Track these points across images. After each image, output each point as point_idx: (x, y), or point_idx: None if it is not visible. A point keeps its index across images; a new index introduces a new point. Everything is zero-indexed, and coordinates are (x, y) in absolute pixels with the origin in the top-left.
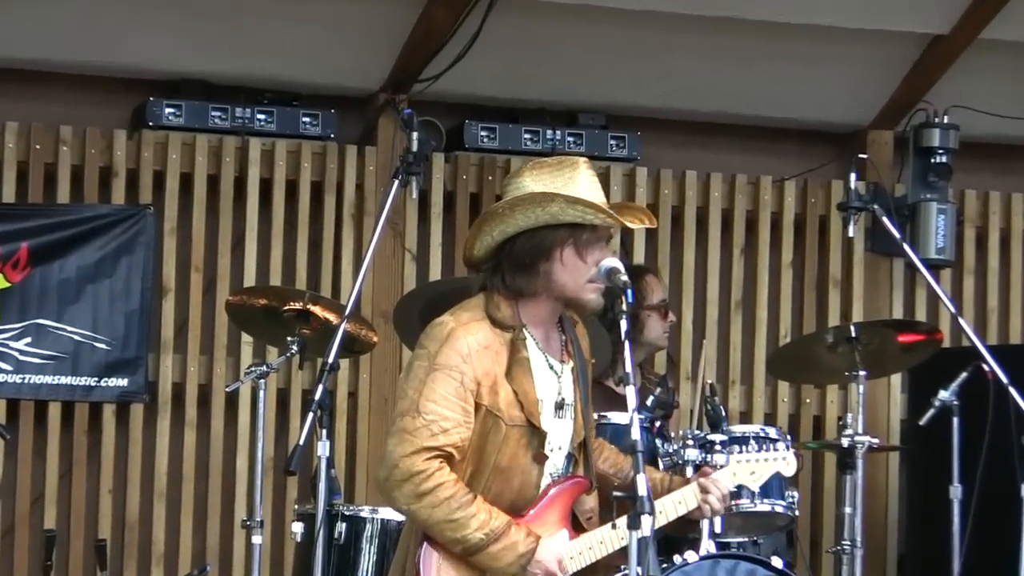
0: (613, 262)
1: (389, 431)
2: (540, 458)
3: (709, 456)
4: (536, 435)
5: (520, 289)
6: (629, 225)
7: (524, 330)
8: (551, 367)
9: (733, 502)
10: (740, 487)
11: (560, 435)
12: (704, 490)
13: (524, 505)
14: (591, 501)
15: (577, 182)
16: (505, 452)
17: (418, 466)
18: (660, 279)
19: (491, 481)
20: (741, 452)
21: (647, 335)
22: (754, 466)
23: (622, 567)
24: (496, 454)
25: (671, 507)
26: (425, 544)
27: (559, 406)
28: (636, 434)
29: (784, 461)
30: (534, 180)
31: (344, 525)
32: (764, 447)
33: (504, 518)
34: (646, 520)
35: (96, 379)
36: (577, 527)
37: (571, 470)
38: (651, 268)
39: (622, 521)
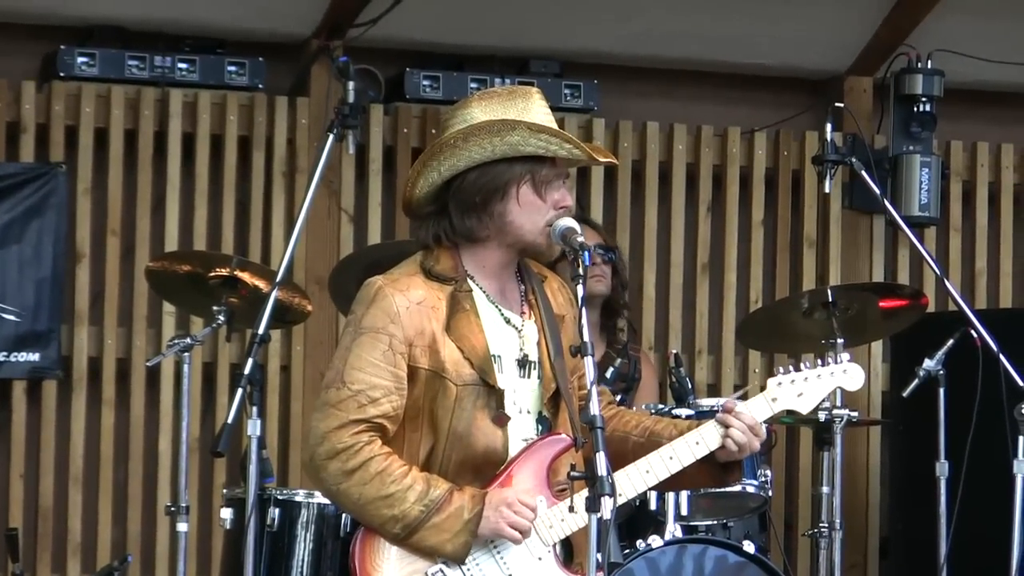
0: (568, 222)
1: (315, 406)
2: (502, 420)
3: None
4: (493, 394)
5: (469, 233)
6: (597, 157)
7: (470, 281)
8: (508, 321)
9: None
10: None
11: (525, 396)
12: (724, 424)
13: (494, 474)
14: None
15: (532, 112)
16: (460, 416)
17: (344, 441)
18: (593, 227)
19: (450, 450)
20: (785, 373)
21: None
22: (802, 385)
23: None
24: (450, 419)
25: (685, 450)
26: (362, 529)
27: (522, 364)
28: (595, 409)
29: (845, 374)
30: (483, 111)
31: (277, 511)
32: (818, 362)
33: (445, 486)
34: (606, 502)
35: (4, 353)
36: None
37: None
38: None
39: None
